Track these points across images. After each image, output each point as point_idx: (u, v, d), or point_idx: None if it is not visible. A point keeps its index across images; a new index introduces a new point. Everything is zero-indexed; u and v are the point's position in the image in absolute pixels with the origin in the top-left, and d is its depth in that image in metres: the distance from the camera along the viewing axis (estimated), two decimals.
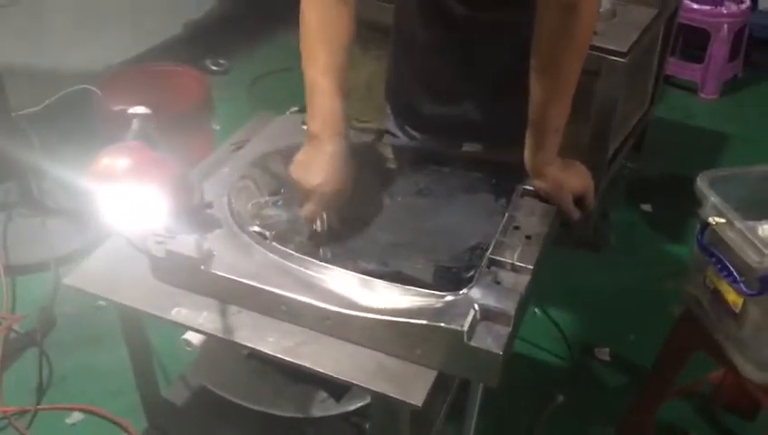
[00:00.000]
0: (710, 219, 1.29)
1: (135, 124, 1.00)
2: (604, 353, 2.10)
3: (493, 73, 1.42)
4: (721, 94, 3.54)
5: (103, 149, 0.95)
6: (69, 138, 2.13)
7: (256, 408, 1.51)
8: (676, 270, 2.07)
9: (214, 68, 3.43)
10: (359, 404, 1.50)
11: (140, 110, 2.49)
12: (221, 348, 1.60)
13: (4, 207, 2.28)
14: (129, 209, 0.95)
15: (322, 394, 1.53)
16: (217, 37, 3.51)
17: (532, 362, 2.06)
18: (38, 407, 1.83)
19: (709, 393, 1.94)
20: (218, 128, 2.82)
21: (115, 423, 1.80)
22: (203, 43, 3.45)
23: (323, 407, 1.52)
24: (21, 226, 2.27)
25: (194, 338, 1.82)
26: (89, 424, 1.82)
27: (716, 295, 1.34)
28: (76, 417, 1.83)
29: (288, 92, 2.58)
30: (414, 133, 1.60)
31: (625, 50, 2.13)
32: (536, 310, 2.20)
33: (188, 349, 1.74)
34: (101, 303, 1.52)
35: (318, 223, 1.27)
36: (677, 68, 3.50)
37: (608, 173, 2.50)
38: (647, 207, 2.76)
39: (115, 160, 0.90)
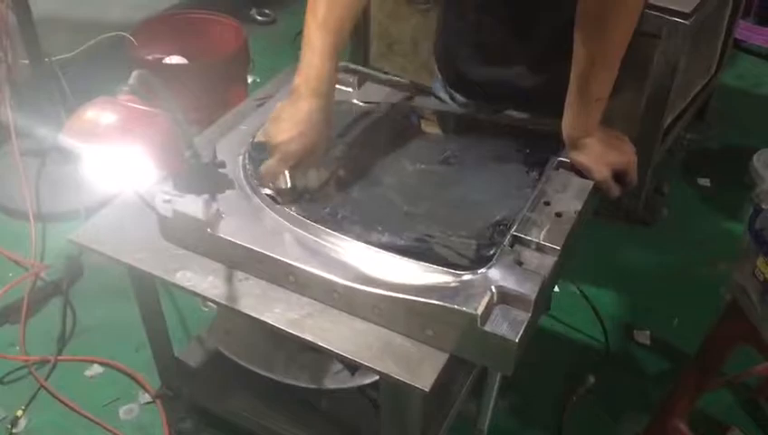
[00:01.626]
0: (763, 204, 1.16)
1: (132, 78, 0.93)
2: (644, 337, 1.98)
3: (548, 35, 1.31)
4: None
5: (88, 102, 0.88)
6: (101, 86, 2.07)
7: (269, 375, 1.47)
8: (731, 251, 1.93)
9: (259, 18, 3.35)
10: (374, 378, 1.44)
11: (176, 59, 2.47)
12: (234, 313, 1.56)
13: (38, 154, 2.27)
14: (111, 168, 0.88)
15: (337, 366, 1.48)
16: None
17: (564, 341, 1.96)
18: (58, 357, 1.83)
19: (755, 386, 1.81)
20: (258, 80, 2.77)
21: (133, 379, 1.79)
22: None
23: (337, 379, 1.47)
24: (54, 173, 2.25)
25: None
26: (107, 377, 1.81)
27: (766, 287, 1.22)
28: (95, 369, 1.83)
29: None
30: (460, 97, 1.51)
31: (689, 11, 1.96)
32: (574, 287, 2.09)
33: (205, 309, 1.71)
34: None
35: (280, 180, 1.23)
36: (750, 32, 3.25)
37: (663, 144, 2.34)
38: (705, 182, 2.59)
39: (98, 116, 0.84)
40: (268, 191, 1.25)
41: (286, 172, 1.23)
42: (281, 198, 1.23)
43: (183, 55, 2.45)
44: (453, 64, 1.47)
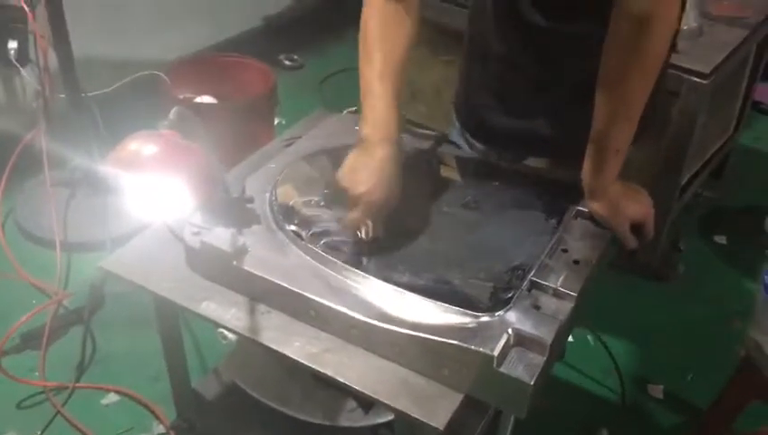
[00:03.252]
0: None
1: (173, 113, 0.98)
2: (658, 391, 1.98)
3: (569, 88, 1.35)
4: None
5: (131, 135, 0.93)
6: (135, 122, 2.14)
7: (284, 411, 1.48)
8: (746, 309, 1.94)
9: (287, 63, 3.45)
10: (387, 418, 1.45)
11: (206, 99, 2.54)
12: (254, 345, 1.58)
13: (69, 184, 2.34)
14: (151, 198, 0.92)
15: (351, 403, 1.49)
16: (293, 33, 3.53)
17: (578, 391, 1.96)
18: (76, 384, 1.85)
19: None
20: (284, 122, 2.84)
21: (148, 409, 1.81)
22: (279, 38, 3.48)
23: (351, 417, 1.48)
24: (82, 204, 2.32)
25: (229, 332, 1.81)
26: (123, 407, 1.83)
27: None
28: (111, 398, 1.85)
29: (358, 91, 2.55)
30: (479, 145, 1.54)
31: (708, 71, 2.01)
32: (589, 337, 2.10)
33: (224, 342, 1.74)
34: None
35: (362, 231, 1.23)
36: None
37: (680, 200, 2.37)
38: (721, 240, 2.61)
39: (141, 147, 0.88)
40: (293, 228, 1.28)
41: (368, 223, 1.22)
42: (360, 248, 1.23)
43: (214, 96, 2.52)
44: (474, 113, 1.51)
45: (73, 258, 2.20)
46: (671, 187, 2.25)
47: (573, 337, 2.09)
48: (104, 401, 1.84)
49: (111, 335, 2.00)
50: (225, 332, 1.89)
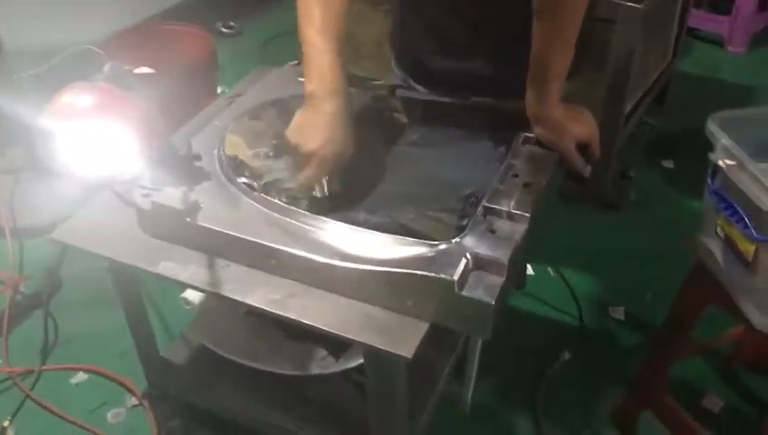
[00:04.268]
0: (720, 162, 1.22)
1: (106, 68, 0.96)
2: (619, 313, 2.04)
3: (507, 28, 1.36)
4: (750, 47, 3.40)
5: (65, 87, 0.90)
6: None
7: (255, 365, 1.49)
8: (698, 227, 1.98)
9: (225, 30, 3.40)
10: (358, 361, 1.46)
11: (144, 70, 2.48)
12: (219, 306, 1.58)
13: (11, 171, 2.28)
14: (89, 150, 0.91)
15: (322, 352, 1.51)
16: (227, 0, 3.46)
17: (542, 321, 2.00)
18: (42, 367, 1.83)
19: (729, 352, 1.87)
20: (227, 90, 2.79)
21: (118, 383, 1.80)
22: (214, 5, 3.41)
23: (322, 364, 1.49)
24: (28, 189, 2.27)
25: (192, 296, 1.80)
26: (92, 384, 1.82)
27: (728, 244, 1.27)
28: (80, 377, 1.83)
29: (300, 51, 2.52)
30: (422, 89, 1.54)
31: None
32: (549, 268, 2.14)
33: (187, 307, 1.72)
34: None
35: (318, 189, 1.21)
36: (703, 20, 3.36)
37: (625, 128, 2.41)
38: (668, 164, 2.67)
39: (76, 98, 0.86)
40: (244, 180, 1.27)
41: (323, 180, 1.21)
42: (315, 208, 1.21)
43: (153, 67, 2.46)
44: (414, 59, 1.51)
45: (25, 244, 2.16)
46: (616, 116, 2.29)
47: (534, 270, 2.13)
48: (73, 381, 1.82)
49: (72, 316, 1.98)
50: (188, 297, 1.88)
